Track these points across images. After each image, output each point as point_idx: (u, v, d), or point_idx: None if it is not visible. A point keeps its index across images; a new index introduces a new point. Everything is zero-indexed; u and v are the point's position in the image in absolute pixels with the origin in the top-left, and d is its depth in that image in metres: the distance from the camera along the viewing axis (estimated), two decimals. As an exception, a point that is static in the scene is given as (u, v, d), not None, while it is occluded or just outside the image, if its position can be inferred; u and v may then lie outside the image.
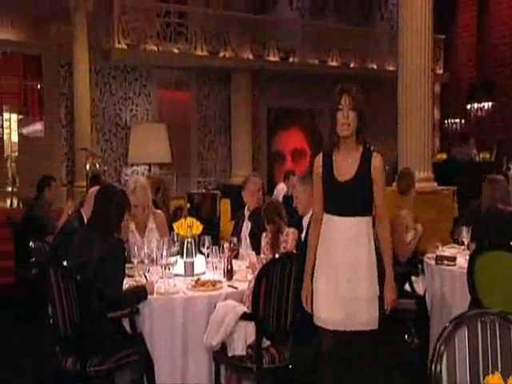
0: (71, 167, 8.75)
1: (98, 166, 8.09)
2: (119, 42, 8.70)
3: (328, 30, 10.26)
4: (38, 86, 8.80)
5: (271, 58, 9.89)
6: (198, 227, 3.20)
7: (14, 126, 8.57)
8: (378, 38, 10.54)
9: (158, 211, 3.73)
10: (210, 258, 3.15)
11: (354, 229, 2.30)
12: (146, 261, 3.12)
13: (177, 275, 3.04)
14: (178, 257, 3.15)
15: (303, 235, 3.29)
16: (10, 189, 8.48)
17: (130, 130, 9.06)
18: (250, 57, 9.73)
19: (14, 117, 8.57)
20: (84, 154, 8.07)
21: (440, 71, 11.16)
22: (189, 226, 3.12)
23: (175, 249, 3.20)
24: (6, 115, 8.50)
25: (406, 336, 3.84)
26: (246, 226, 3.74)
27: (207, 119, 10.21)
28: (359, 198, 2.32)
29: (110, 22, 8.62)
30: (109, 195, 2.71)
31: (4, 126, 8.51)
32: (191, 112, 10.08)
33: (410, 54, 5.37)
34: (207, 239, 3.25)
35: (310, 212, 3.26)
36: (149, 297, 2.64)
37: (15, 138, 8.56)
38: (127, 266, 3.22)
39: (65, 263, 2.45)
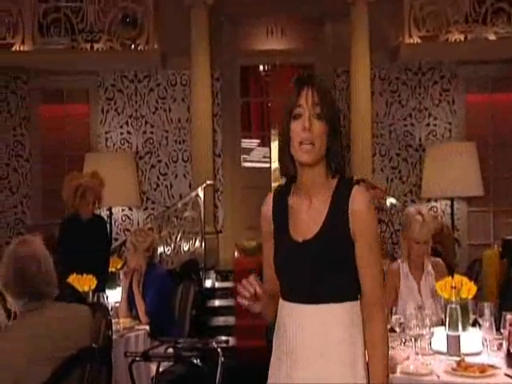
0: (348, 203, 9.55)
1: (378, 201, 8.69)
2: (410, 36, 9.24)
3: None
4: (310, 103, 10.00)
5: None
6: (469, 290, 3.33)
7: (284, 152, 9.88)
8: None
9: (438, 259, 4.19)
10: (489, 334, 3.24)
11: (323, 326, 1.90)
12: (397, 329, 3.42)
13: (437, 352, 3.25)
14: (442, 327, 3.35)
15: None
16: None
17: (425, 153, 9.41)
18: None
19: (283, 142, 9.88)
20: (363, 185, 8.79)
21: None
22: (453, 287, 3.27)
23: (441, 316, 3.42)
24: (273, 138, 9.83)
25: None
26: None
27: (543, 133, 9.83)
28: (330, 271, 1.90)
29: (399, 10, 9.25)
30: None
31: (272, 151, 9.85)
32: (517, 123, 9.87)
33: None
34: (487, 307, 3.34)
35: None
36: (391, 376, 2.90)
37: (284, 168, 9.84)
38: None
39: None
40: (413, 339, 3.12)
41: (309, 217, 1.96)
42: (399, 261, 4.18)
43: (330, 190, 1.97)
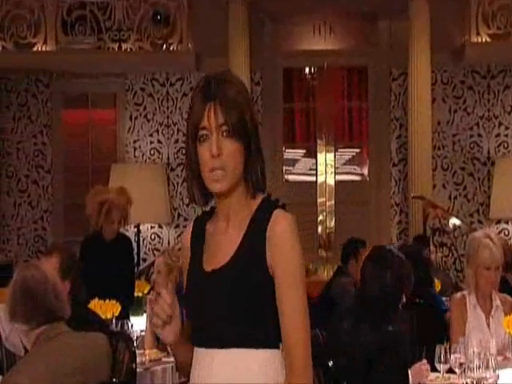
0: (405, 223, 9.53)
1: (439, 222, 8.64)
2: (478, 34, 9.19)
3: None
4: (363, 109, 9.99)
5: None
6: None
7: (332, 164, 9.88)
8: None
9: (505, 295, 4.23)
10: None
11: (235, 376, 1.80)
12: (457, 370, 3.40)
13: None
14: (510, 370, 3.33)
15: None
16: (323, 252, 9.76)
17: (495, 167, 9.34)
18: None
19: (331, 154, 9.89)
20: (421, 204, 8.74)
21: None
22: (521, 324, 3.26)
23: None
24: (320, 149, 9.86)
25: None
26: None
27: None
28: (242, 307, 1.80)
29: (465, 4, 9.21)
30: (381, 262, 3.11)
31: (319, 163, 9.89)
32: None
33: None
34: None
35: None
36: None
37: (331, 181, 9.86)
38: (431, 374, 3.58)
39: (330, 363, 2.95)
40: (475, 382, 3.10)
41: (223, 243, 1.88)
42: (465, 292, 4.17)
43: (249, 212, 1.88)
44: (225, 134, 1.81)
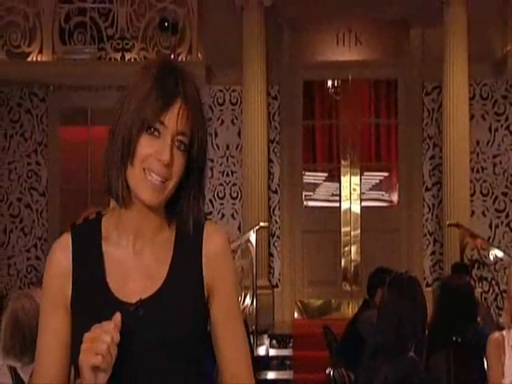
0: (439, 254, 9.40)
1: (478, 253, 8.51)
2: (522, 43, 9.20)
3: None
4: (392, 127, 9.95)
5: None
6: None
7: (357, 188, 9.79)
8: None
9: None
10: None
11: None
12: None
13: None
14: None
15: None
16: (347, 286, 9.64)
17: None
18: None
19: (356, 177, 9.80)
20: (458, 233, 8.62)
21: None
22: None
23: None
24: (344, 171, 9.79)
25: None
26: None
27: None
28: (183, 343, 1.65)
29: (506, 11, 9.24)
30: (404, 292, 3.06)
31: (342, 187, 9.81)
32: None
33: None
34: None
35: None
36: None
37: (357, 208, 9.76)
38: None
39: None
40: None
41: (144, 268, 1.70)
42: (504, 332, 4.08)
43: (169, 227, 1.75)
44: (177, 143, 1.66)
